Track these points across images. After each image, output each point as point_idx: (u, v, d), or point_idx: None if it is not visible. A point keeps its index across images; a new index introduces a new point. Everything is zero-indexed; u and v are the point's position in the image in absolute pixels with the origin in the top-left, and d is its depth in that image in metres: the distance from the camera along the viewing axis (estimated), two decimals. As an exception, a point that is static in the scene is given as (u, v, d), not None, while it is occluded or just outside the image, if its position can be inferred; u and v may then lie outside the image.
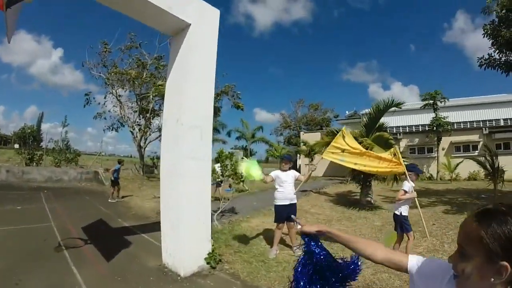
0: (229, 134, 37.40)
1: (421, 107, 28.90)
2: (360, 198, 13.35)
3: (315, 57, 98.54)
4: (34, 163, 19.85)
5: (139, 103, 22.41)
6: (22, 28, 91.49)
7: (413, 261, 1.38)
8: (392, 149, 8.46)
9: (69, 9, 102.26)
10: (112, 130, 23.44)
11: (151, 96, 20.80)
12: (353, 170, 11.53)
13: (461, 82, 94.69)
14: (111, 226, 8.75)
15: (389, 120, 30.31)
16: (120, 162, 14.57)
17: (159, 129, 23.32)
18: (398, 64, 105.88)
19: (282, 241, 7.02)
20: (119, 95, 22.19)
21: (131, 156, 45.56)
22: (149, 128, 23.00)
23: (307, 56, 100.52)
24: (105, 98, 22.81)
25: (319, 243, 1.63)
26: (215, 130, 35.05)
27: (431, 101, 27.76)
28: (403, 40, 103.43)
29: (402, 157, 8.14)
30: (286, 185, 6.49)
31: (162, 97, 20.16)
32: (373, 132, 13.26)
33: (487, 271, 1.01)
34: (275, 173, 6.65)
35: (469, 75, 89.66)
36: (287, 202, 6.48)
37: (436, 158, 28.59)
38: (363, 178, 13.26)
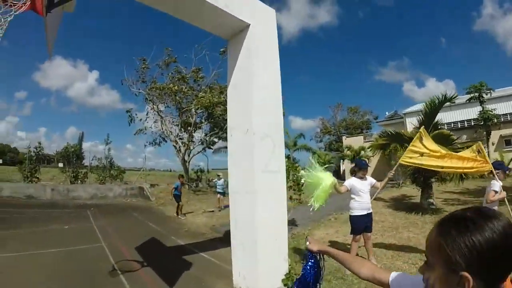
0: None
1: (466, 100, 26.90)
2: (420, 201, 12.25)
3: (344, 61, 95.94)
4: (79, 181, 19.80)
5: (180, 117, 22.00)
6: (58, 54, 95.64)
7: (393, 277, 1.33)
8: (474, 146, 7.34)
9: (101, 33, 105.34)
10: (153, 145, 23.18)
11: (193, 109, 20.39)
12: (414, 171, 11.13)
13: (497, 70, 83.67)
14: (166, 246, 8.10)
15: (448, 116, 29.68)
16: (180, 177, 14.32)
17: (202, 142, 22.95)
18: (430, 59, 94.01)
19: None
20: (160, 110, 21.92)
21: (170, 170, 45.72)
22: (192, 142, 22.56)
23: (336, 60, 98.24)
24: (146, 114, 22.62)
25: (316, 262, 1.79)
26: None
27: (476, 94, 26.19)
28: (432, 34, 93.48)
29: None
30: (363, 194, 5.92)
31: (205, 109, 19.79)
32: (430, 131, 11.99)
33: (449, 282, 0.90)
34: (350, 182, 6.01)
35: (506, 62, 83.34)
36: (364, 212, 5.91)
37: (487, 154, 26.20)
38: (423, 181, 12.24)
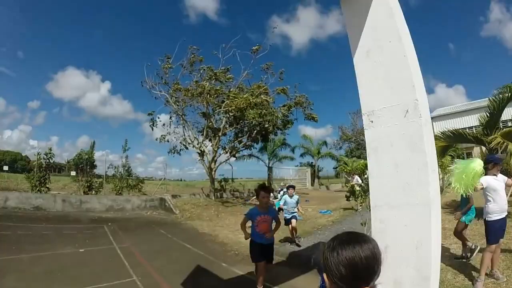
0: (293, 150, 34.62)
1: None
2: None
3: (351, 67, 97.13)
4: (93, 191, 17.66)
5: (208, 121, 19.82)
6: (71, 65, 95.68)
7: None
8: None
9: (113, 45, 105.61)
10: (173, 153, 20.67)
11: (222, 112, 18.28)
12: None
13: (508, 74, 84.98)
14: (221, 277, 5.90)
15: (472, 119, 28.81)
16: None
17: (225, 150, 20.84)
18: (439, 65, 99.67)
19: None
20: (184, 114, 19.79)
21: (181, 180, 42.95)
22: (221, 148, 20.51)
23: (345, 69, 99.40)
24: (170, 118, 20.50)
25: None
26: (284, 145, 32.44)
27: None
28: (441, 40, 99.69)
29: None
30: (501, 194, 5.02)
31: (237, 111, 17.73)
32: (498, 129, 11.22)
33: None
34: (486, 179, 5.00)
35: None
36: (503, 215, 4.98)
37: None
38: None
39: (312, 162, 38.60)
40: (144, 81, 19.51)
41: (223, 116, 18.71)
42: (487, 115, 11.31)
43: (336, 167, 38.52)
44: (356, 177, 16.78)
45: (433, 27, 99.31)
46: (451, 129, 12.13)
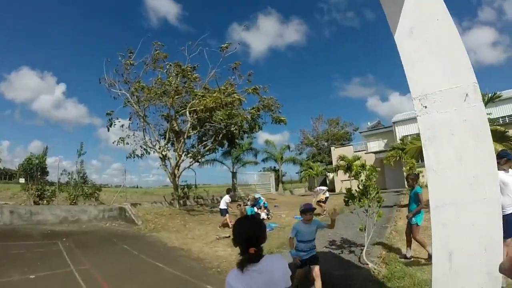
0: (256, 155, 33.80)
1: None
2: None
3: (311, 78, 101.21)
4: (45, 201, 15.81)
5: (169, 124, 18.48)
6: (25, 65, 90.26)
7: None
8: None
9: (71, 47, 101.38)
10: (134, 157, 18.94)
11: (187, 113, 17.09)
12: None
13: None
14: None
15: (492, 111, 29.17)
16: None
17: (190, 155, 19.64)
18: (393, 74, 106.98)
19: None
20: (145, 115, 18.21)
21: (137, 187, 40.60)
22: (185, 153, 19.23)
23: (303, 78, 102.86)
24: (130, 119, 18.85)
25: None
26: (250, 150, 31.60)
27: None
28: (395, 51, 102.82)
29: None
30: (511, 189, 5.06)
31: (206, 110, 16.71)
32: None
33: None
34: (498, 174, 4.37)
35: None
36: None
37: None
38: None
39: (275, 167, 38.04)
40: (102, 78, 17.67)
41: (190, 117, 17.40)
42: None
43: (301, 172, 38.14)
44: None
45: (387, 38, 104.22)
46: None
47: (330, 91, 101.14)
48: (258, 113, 18.56)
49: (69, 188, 17.05)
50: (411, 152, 14.78)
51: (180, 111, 18.08)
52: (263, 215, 14.55)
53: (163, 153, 18.03)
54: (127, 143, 18.58)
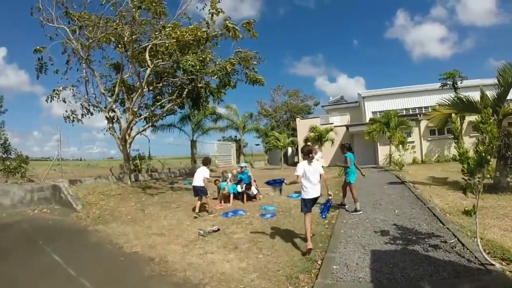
0: (215, 121, 29.90)
1: (439, 86, 26.08)
2: (500, 180, 10.37)
3: (262, 54, 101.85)
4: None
5: (120, 75, 13.68)
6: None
7: None
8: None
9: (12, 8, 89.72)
10: (73, 120, 14.18)
11: (147, 55, 12.73)
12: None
13: (401, 73, 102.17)
14: None
15: (408, 101, 32.57)
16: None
17: (145, 117, 15.60)
18: (343, 58, 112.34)
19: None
20: (89, 59, 13.44)
21: (81, 159, 34.61)
22: (138, 114, 15.05)
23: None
24: (67, 63, 13.99)
25: None
26: (214, 114, 27.73)
27: (450, 81, 25.45)
28: (346, 36, 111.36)
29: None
30: None
31: (173, 54, 13.14)
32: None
33: None
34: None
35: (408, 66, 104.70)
36: None
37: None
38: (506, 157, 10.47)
39: (236, 136, 34.54)
40: (36, 7, 12.08)
41: (150, 62, 12.72)
42: (500, 91, 11.13)
43: (265, 143, 34.74)
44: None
45: (342, 22, 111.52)
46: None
47: (280, 67, 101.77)
48: (233, 67, 14.35)
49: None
50: (435, 119, 13.78)
51: (137, 57, 13.64)
52: (253, 189, 11.49)
53: (110, 113, 13.83)
54: (63, 100, 14.06)
